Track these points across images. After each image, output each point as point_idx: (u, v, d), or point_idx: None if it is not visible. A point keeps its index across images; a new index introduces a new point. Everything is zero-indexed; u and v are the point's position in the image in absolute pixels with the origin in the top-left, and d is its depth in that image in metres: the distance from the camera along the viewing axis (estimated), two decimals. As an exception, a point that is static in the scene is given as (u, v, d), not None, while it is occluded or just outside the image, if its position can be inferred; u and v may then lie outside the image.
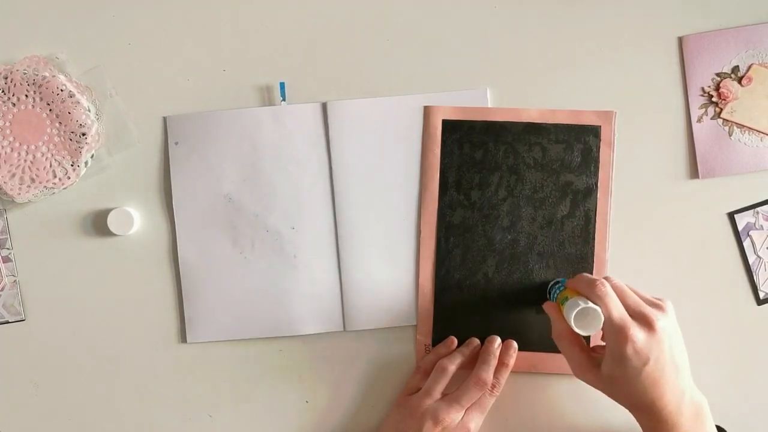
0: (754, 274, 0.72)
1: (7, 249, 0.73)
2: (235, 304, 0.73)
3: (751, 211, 0.72)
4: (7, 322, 0.74)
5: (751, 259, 0.72)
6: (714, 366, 0.73)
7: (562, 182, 0.72)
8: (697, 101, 0.72)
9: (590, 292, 0.62)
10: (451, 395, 0.68)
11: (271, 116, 0.73)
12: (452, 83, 0.73)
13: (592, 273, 0.72)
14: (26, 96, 0.71)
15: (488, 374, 0.68)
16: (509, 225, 0.72)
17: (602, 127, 0.72)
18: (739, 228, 0.72)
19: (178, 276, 0.73)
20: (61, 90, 0.71)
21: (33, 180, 0.71)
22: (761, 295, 0.73)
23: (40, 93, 0.71)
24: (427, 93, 0.73)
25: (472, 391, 0.68)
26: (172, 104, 0.73)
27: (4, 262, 0.73)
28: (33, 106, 0.71)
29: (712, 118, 0.72)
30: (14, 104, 0.71)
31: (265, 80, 0.73)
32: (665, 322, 0.61)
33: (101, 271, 0.74)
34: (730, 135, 0.72)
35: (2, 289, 0.73)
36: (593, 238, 0.72)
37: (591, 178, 0.72)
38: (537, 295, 0.72)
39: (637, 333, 0.60)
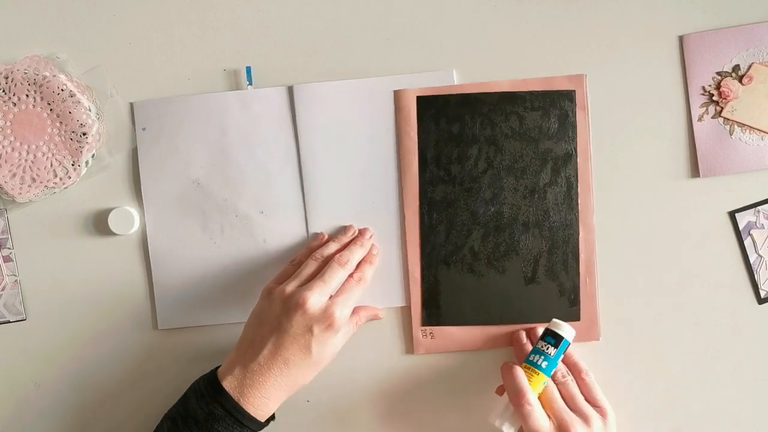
0: (755, 273, 0.72)
1: (8, 248, 0.74)
2: (205, 291, 0.73)
3: (752, 210, 0.72)
4: (8, 322, 0.74)
5: (752, 258, 0.72)
6: (714, 365, 0.73)
7: (541, 150, 0.72)
8: (697, 100, 0.72)
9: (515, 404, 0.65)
10: (315, 278, 0.66)
11: (237, 100, 0.73)
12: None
13: (578, 240, 0.72)
14: (27, 96, 0.71)
15: (351, 256, 0.68)
16: (491, 197, 0.72)
17: (576, 92, 0.72)
18: (740, 227, 0.72)
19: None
20: (62, 90, 0.71)
21: (34, 180, 0.71)
22: (762, 294, 0.72)
23: (40, 92, 0.71)
24: (394, 75, 0.72)
25: (335, 268, 0.66)
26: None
27: (5, 262, 0.73)
28: (34, 106, 0.71)
29: (712, 117, 0.72)
30: (15, 104, 0.71)
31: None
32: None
33: (102, 270, 0.74)
34: (730, 134, 0.72)
35: (3, 289, 0.73)
36: (577, 204, 0.72)
37: (569, 143, 0.72)
38: (525, 265, 0.72)
39: None
